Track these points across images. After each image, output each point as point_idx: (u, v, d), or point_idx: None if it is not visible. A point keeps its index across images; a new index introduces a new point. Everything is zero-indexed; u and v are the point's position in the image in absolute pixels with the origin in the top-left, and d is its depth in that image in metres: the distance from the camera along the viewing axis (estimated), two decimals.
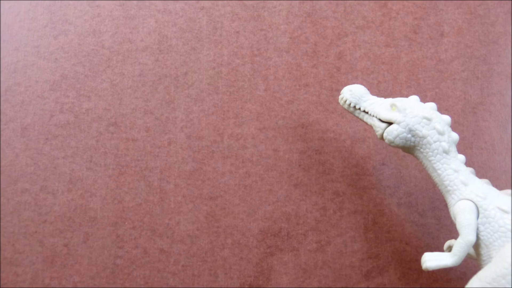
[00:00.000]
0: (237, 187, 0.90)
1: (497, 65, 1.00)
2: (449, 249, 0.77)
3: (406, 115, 0.72)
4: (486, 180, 0.73)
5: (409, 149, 0.73)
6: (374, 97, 0.75)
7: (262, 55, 0.96)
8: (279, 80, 0.95)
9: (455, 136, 0.72)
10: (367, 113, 0.75)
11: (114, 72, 0.93)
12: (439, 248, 0.90)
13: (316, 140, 0.94)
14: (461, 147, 0.95)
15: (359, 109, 0.75)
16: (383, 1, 1.01)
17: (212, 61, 0.95)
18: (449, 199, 0.71)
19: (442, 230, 0.92)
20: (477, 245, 0.68)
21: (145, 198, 0.89)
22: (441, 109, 0.97)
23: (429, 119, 0.71)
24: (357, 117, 0.77)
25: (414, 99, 0.74)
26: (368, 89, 0.97)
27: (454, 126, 0.96)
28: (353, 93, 0.75)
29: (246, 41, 0.96)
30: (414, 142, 0.72)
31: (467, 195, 0.69)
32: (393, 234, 0.91)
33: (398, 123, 0.72)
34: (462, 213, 0.68)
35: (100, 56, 0.93)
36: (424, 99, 0.97)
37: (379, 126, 0.73)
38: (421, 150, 0.72)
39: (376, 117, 0.74)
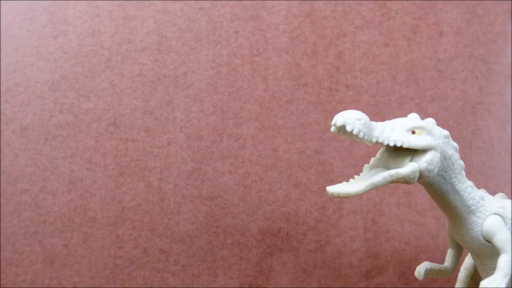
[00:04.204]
0: (236, 187, 0.90)
1: (496, 65, 1.00)
2: (426, 273, 0.71)
3: (436, 137, 0.61)
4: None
5: (435, 177, 0.61)
6: (377, 122, 0.61)
7: (261, 55, 0.96)
8: (278, 80, 0.95)
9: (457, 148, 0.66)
10: (380, 144, 0.60)
11: (114, 73, 0.93)
12: (438, 248, 0.90)
13: (315, 140, 0.94)
14: (461, 146, 0.95)
15: (369, 141, 0.60)
16: (382, 1, 1.01)
17: (211, 61, 0.95)
18: (473, 219, 0.64)
19: (441, 229, 0.92)
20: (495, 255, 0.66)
21: (145, 198, 0.89)
22: (441, 109, 0.97)
23: (448, 137, 0.62)
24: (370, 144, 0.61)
25: (432, 122, 0.63)
26: (367, 89, 0.97)
27: (453, 126, 0.96)
28: (365, 123, 0.58)
29: (245, 41, 0.96)
30: (440, 167, 0.61)
31: (491, 209, 0.64)
32: (392, 234, 0.91)
33: (435, 149, 0.60)
34: (500, 229, 0.63)
35: (100, 56, 0.93)
36: (423, 99, 0.97)
37: (413, 171, 0.59)
38: (444, 174, 0.62)
39: (401, 146, 0.60)
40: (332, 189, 0.57)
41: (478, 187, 0.92)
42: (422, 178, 0.60)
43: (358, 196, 0.92)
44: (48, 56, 0.92)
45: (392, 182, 0.59)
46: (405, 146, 0.59)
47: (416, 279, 0.90)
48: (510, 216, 0.65)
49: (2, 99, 0.90)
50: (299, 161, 0.92)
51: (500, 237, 0.63)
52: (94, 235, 0.87)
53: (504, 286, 0.59)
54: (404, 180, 0.59)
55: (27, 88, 0.91)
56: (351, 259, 0.90)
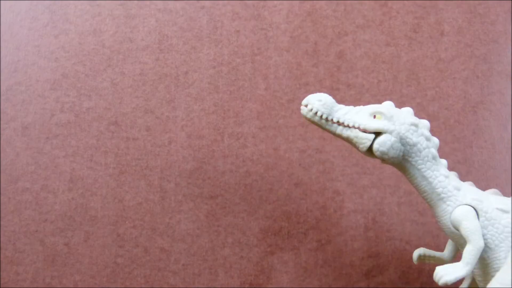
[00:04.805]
0: (237, 186, 0.90)
1: (497, 64, 1.00)
2: (420, 258, 0.75)
3: (395, 122, 0.65)
4: (470, 182, 0.71)
5: (395, 159, 0.66)
6: (343, 106, 0.67)
7: (263, 54, 0.96)
8: (280, 79, 0.95)
9: (437, 141, 0.68)
10: (341, 124, 0.66)
11: (115, 71, 0.93)
12: (439, 247, 0.90)
13: (316, 139, 0.94)
14: (461, 146, 0.95)
15: (331, 120, 0.66)
16: (383, 0, 1.01)
17: (212, 60, 0.95)
18: (443, 206, 0.67)
19: None
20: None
21: (146, 197, 0.89)
22: (442, 108, 0.97)
23: (416, 125, 0.66)
24: (326, 130, 0.67)
25: (390, 104, 0.69)
26: (368, 88, 0.97)
27: (454, 125, 0.96)
28: (324, 103, 0.65)
29: (247, 40, 0.96)
30: (403, 152, 0.65)
31: (464, 200, 0.66)
32: (393, 233, 0.91)
33: (390, 132, 0.65)
34: (466, 219, 0.64)
35: (101, 55, 0.93)
36: (424, 98, 0.97)
37: (366, 138, 0.65)
38: (410, 159, 0.66)
39: (358, 128, 0.65)
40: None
41: (479, 186, 0.92)
42: (377, 158, 0.66)
43: (359, 195, 0.92)
44: (49, 55, 0.92)
45: (347, 137, 0.66)
46: (361, 127, 0.65)
47: (417, 278, 0.90)
48: (486, 210, 0.66)
49: (3, 98, 0.90)
50: (300, 160, 0.92)
51: (465, 227, 0.64)
52: (95, 234, 0.87)
53: (464, 274, 0.62)
54: (356, 142, 0.66)
55: (28, 87, 0.91)
56: (352, 258, 0.90)
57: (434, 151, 0.67)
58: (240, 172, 0.91)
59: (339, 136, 0.67)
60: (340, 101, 0.95)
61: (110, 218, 0.88)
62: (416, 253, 0.75)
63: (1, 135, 0.89)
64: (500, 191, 0.93)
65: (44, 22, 0.94)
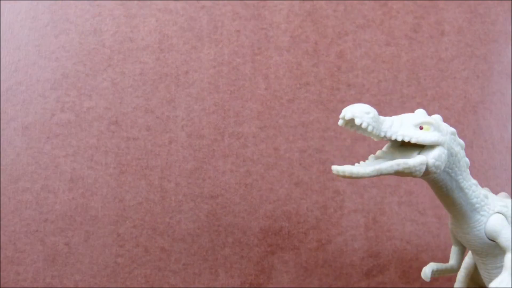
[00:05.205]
0: (237, 185, 0.90)
1: (498, 64, 1.00)
2: (439, 272, 0.71)
3: (444, 134, 0.60)
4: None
5: (437, 172, 0.61)
6: (386, 117, 0.61)
7: (263, 54, 0.96)
8: (280, 79, 0.95)
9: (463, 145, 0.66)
10: (388, 138, 0.60)
11: (115, 71, 0.93)
12: (439, 247, 0.90)
13: (317, 138, 0.94)
14: None
15: (377, 135, 0.59)
16: (383, 1, 1.01)
17: (212, 60, 0.95)
18: (477, 217, 0.63)
19: (443, 228, 0.92)
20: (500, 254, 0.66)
21: (146, 197, 0.89)
22: (442, 108, 0.97)
23: (455, 134, 0.62)
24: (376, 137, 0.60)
25: (424, 112, 0.63)
26: (369, 88, 0.97)
27: (454, 125, 0.96)
28: (373, 116, 0.58)
29: (247, 40, 0.96)
30: (446, 163, 0.61)
31: (495, 208, 0.64)
32: (393, 233, 0.91)
33: (442, 145, 0.60)
34: (504, 228, 0.62)
35: (101, 55, 0.93)
36: (424, 98, 0.97)
37: (420, 163, 0.59)
38: (449, 170, 0.62)
39: (409, 141, 0.59)
40: (338, 167, 0.57)
41: (480, 185, 0.92)
42: (428, 174, 0.60)
43: (359, 195, 0.92)
44: (50, 55, 0.92)
45: (397, 172, 0.59)
46: (413, 141, 0.59)
47: (417, 278, 0.90)
48: (510, 214, 0.65)
49: (3, 97, 0.90)
50: (301, 160, 0.92)
51: (505, 236, 0.62)
52: (96, 234, 0.87)
53: None
54: (410, 172, 0.59)
55: (28, 87, 0.91)
56: (352, 258, 0.90)
57: (467, 159, 0.64)
58: (241, 171, 0.91)
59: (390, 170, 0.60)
60: (340, 100, 0.95)
61: (110, 218, 0.88)
62: (428, 271, 0.71)
63: (1, 135, 0.89)
64: (500, 190, 0.93)
65: (44, 22, 0.94)
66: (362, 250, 0.90)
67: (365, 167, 0.57)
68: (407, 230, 0.91)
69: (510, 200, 0.69)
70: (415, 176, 0.60)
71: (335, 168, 0.57)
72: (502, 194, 0.71)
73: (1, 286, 0.84)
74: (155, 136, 0.91)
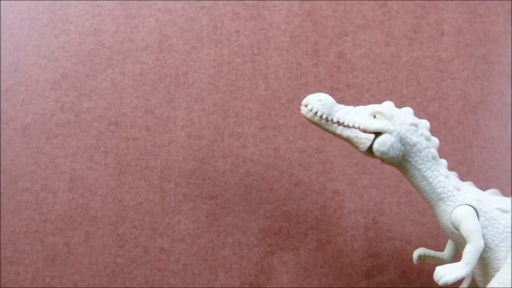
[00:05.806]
0: (237, 186, 0.90)
1: (497, 64, 1.00)
2: (420, 258, 0.76)
3: (395, 123, 0.66)
4: (470, 182, 0.71)
5: (395, 159, 0.66)
6: (343, 106, 0.68)
7: (263, 54, 0.96)
8: (280, 79, 0.95)
9: (437, 140, 0.68)
10: (341, 124, 0.66)
11: (115, 71, 0.93)
12: (440, 247, 0.90)
13: (316, 139, 0.94)
14: (461, 146, 0.95)
15: (331, 120, 0.66)
16: (383, 1, 1.01)
17: (212, 60, 0.95)
18: (443, 206, 0.67)
19: None
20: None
21: (146, 197, 0.89)
22: (442, 108, 0.97)
23: (416, 125, 0.66)
24: (326, 130, 0.67)
25: (390, 104, 0.69)
26: (368, 88, 0.97)
27: (454, 125, 0.96)
28: (324, 103, 0.65)
29: (247, 40, 0.96)
30: (403, 152, 0.66)
31: (464, 200, 0.66)
32: (393, 233, 0.91)
33: (390, 132, 0.65)
34: (466, 219, 0.64)
35: (101, 55, 0.93)
36: (424, 98, 0.97)
37: (366, 138, 0.65)
38: (410, 159, 0.66)
39: (358, 128, 0.66)
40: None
41: (479, 186, 0.92)
42: (381, 159, 0.66)
43: (359, 195, 0.92)
44: (49, 55, 0.92)
45: (348, 138, 0.66)
46: (361, 127, 0.66)
47: (417, 278, 0.90)
48: (486, 210, 0.66)
49: (3, 98, 0.90)
50: (300, 160, 0.92)
51: (465, 227, 0.64)
52: (95, 234, 0.87)
53: (464, 274, 0.62)
54: (356, 142, 0.66)
55: (28, 87, 0.91)
56: (352, 258, 0.90)
57: (434, 151, 0.67)
58: (240, 172, 0.91)
59: (339, 136, 0.67)
60: (340, 101, 0.95)
61: (110, 218, 0.88)
62: (416, 253, 0.76)
63: (1, 135, 0.89)
64: (500, 191, 0.93)
65: (44, 22, 0.94)
66: (362, 250, 0.90)
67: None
68: (407, 230, 0.91)
69: (499, 197, 0.69)
70: (360, 150, 0.66)
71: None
72: (492, 190, 0.71)
73: (1, 286, 0.84)
74: (155, 137, 0.91)
